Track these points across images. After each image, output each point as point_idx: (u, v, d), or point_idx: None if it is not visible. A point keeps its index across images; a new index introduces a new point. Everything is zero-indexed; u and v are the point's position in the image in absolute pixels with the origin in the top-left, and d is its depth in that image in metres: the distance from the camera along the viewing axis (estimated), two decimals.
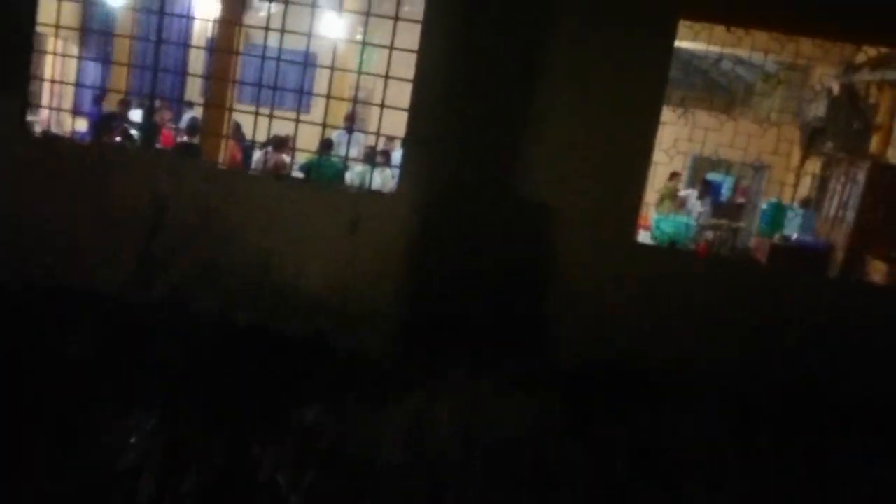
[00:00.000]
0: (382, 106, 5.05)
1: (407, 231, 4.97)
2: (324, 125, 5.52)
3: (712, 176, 14.48)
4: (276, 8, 6.38)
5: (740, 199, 15.67)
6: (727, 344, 4.66)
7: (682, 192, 12.55)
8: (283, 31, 5.20)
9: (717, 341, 4.67)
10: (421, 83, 4.87)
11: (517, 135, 4.81)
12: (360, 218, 5.02)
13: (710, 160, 13.40)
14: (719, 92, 17.26)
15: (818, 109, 10.20)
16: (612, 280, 4.76)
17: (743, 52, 7.22)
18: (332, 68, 5.46)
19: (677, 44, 4.76)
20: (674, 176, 12.46)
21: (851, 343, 4.75)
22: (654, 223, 10.04)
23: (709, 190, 12.58)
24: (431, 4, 4.81)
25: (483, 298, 4.86)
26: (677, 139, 5.54)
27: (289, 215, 5.23)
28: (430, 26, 4.83)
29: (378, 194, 5.59)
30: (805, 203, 10.71)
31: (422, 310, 4.98)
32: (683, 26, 4.75)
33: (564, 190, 4.79)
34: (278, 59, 5.27)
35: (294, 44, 5.54)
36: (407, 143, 4.96)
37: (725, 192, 15.69)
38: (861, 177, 8.44)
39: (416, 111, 4.91)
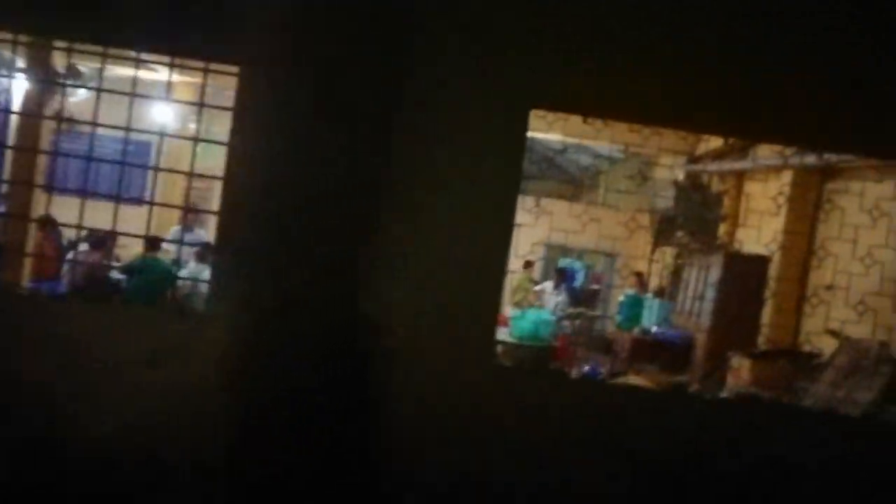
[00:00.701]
0: (186, 209, 4.14)
1: (221, 363, 4.00)
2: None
3: (564, 262, 14.36)
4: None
5: (594, 286, 15.66)
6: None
7: (539, 287, 12.19)
8: (67, 119, 4.25)
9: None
10: (232, 180, 4.01)
11: (353, 240, 4.02)
12: (161, 349, 4.01)
13: (560, 247, 13.23)
14: (565, 179, 17.45)
15: (666, 198, 10.22)
16: (472, 410, 3.99)
17: (599, 143, 6.93)
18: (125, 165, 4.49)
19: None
20: (528, 264, 12.09)
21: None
22: (511, 320, 9.44)
23: (563, 278, 12.34)
24: (243, 85, 3.98)
25: (321, 444, 3.94)
26: (547, 230, 4.95)
27: (82, 346, 4.13)
28: (243, 113, 4.00)
29: (189, 316, 4.60)
30: (659, 292, 10.58)
31: (244, 461, 3.99)
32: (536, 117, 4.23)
33: (412, 304, 4.01)
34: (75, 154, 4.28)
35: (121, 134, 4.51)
36: (217, 252, 4.05)
37: (579, 279, 15.65)
38: (716, 266, 8.29)
39: (228, 213, 4.03)
